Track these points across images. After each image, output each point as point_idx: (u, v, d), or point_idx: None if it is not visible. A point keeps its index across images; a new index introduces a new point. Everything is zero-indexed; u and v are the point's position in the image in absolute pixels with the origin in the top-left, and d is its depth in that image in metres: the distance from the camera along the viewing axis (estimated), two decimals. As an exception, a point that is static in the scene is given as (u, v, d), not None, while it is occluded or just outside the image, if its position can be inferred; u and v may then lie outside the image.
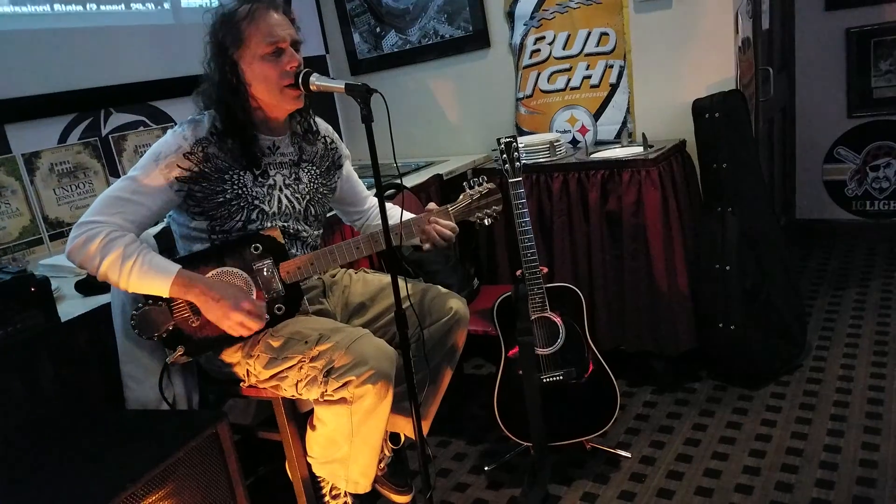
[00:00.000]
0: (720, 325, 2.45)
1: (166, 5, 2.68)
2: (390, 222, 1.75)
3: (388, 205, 1.69)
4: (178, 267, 1.50)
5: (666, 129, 2.68)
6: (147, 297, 1.52)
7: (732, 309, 2.43)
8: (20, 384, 1.57)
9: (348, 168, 1.90)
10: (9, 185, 2.18)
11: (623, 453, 2.17)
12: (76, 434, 1.51)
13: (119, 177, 2.41)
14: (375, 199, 1.92)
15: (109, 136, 2.44)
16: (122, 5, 2.52)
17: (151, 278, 1.48)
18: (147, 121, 2.57)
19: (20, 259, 2.14)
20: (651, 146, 2.51)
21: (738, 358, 2.47)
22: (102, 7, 2.46)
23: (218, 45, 1.56)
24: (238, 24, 1.54)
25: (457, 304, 1.82)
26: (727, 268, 2.43)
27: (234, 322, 1.50)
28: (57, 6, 2.33)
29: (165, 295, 1.49)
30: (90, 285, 1.77)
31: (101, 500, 1.24)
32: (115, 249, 1.46)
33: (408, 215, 1.72)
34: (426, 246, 1.71)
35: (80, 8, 2.40)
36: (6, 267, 1.59)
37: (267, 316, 1.56)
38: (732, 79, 2.58)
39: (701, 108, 2.48)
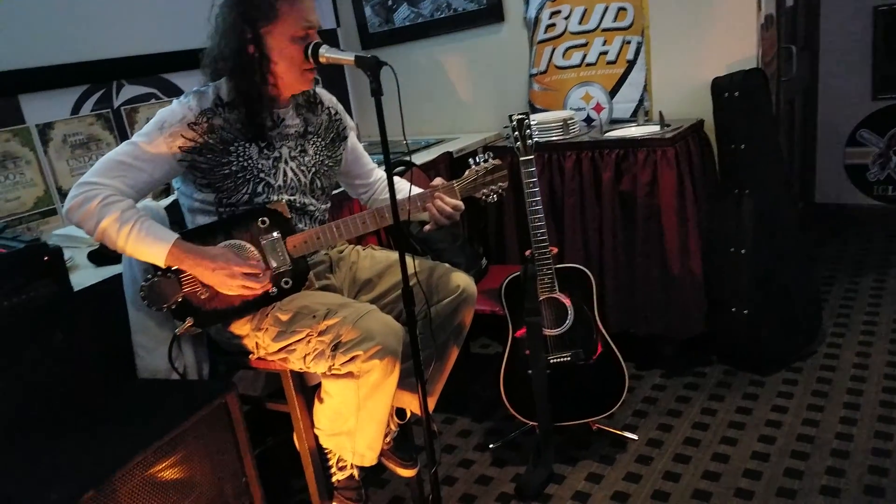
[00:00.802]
0: (733, 309, 2.43)
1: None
2: (398, 196, 1.76)
3: (396, 178, 1.68)
4: (175, 236, 1.51)
5: (683, 107, 2.62)
6: (156, 268, 1.53)
7: (746, 293, 2.40)
8: (32, 352, 1.59)
9: (353, 140, 1.89)
10: (23, 155, 2.19)
11: (630, 435, 2.16)
12: (87, 402, 1.54)
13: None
14: (382, 173, 1.91)
15: (121, 108, 2.45)
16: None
17: (148, 245, 1.49)
18: (158, 93, 2.57)
19: (34, 229, 2.16)
20: (668, 125, 2.47)
21: (749, 343, 2.44)
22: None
23: (241, 15, 1.54)
24: (271, 0, 1.52)
25: (464, 281, 1.81)
26: (742, 251, 2.40)
27: (236, 286, 1.53)
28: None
29: (161, 264, 1.50)
30: (103, 255, 1.78)
31: (111, 467, 1.26)
32: (112, 213, 1.47)
33: (416, 190, 1.71)
34: (427, 227, 1.70)
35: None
36: (20, 236, 1.61)
37: (266, 276, 1.57)
38: (754, 57, 2.52)
39: (720, 87, 2.43)
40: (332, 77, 3.31)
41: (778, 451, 2.01)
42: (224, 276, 1.52)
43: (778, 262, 2.43)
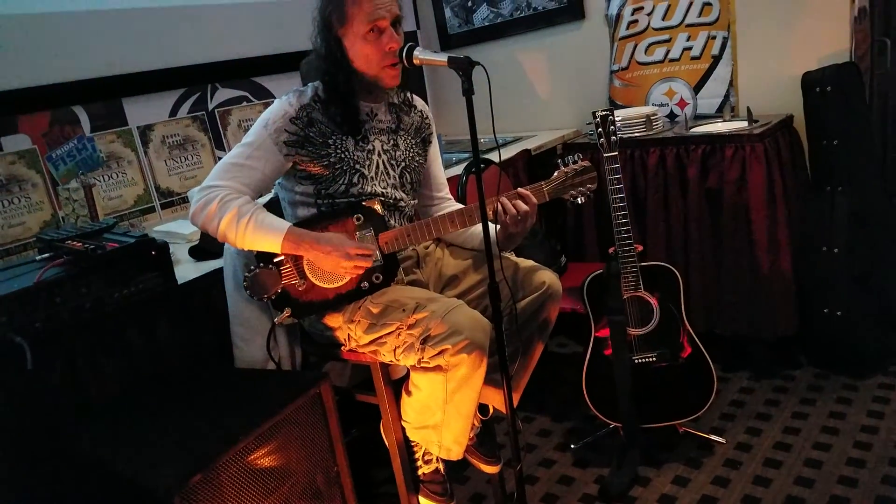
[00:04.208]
0: (825, 310, 2.33)
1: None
2: (475, 241, 1.82)
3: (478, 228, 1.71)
4: (288, 224, 1.59)
5: (772, 103, 2.54)
6: (259, 260, 1.60)
7: (839, 294, 2.30)
8: (140, 341, 1.69)
9: (435, 148, 1.93)
10: (125, 155, 2.32)
11: (717, 439, 2.11)
12: (190, 390, 1.61)
13: (225, 149, 2.53)
14: (450, 197, 1.94)
15: (215, 111, 2.57)
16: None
17: (264, 234, 1.56)
18: (250, 96, 2.68)
19: (137, 225, 2.29)
20: (756, 121, 2.39)
21: (843, 346, 2.34)
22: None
23: (324, 20, 1.61)
24: (343, 3, 1.58)
25: (550, 278, 1.81)
26: (835, 250, 2.30)
27: (350, 266, 1.59)
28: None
29: (278, 251, 1.57)
30: (203, 251, 1.88)
31: (215, 452, 1.31)
32: (231, 210, 1.55)
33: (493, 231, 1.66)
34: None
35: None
36: (128, 231, 1.70)
37: (375, 255, 1.61)
38: (846, 51, 2.42)
39: (811, 82, 2.34)
40: (411, 75, 3.36)
41: (875, 458, 1.92)
42: (338, 256, 1.57)
43: (874, 262, 2.32)
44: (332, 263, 1.59)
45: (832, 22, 2.42)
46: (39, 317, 1.43)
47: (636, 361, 1.99)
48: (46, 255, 1.58)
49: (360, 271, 1.61)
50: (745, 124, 2.39)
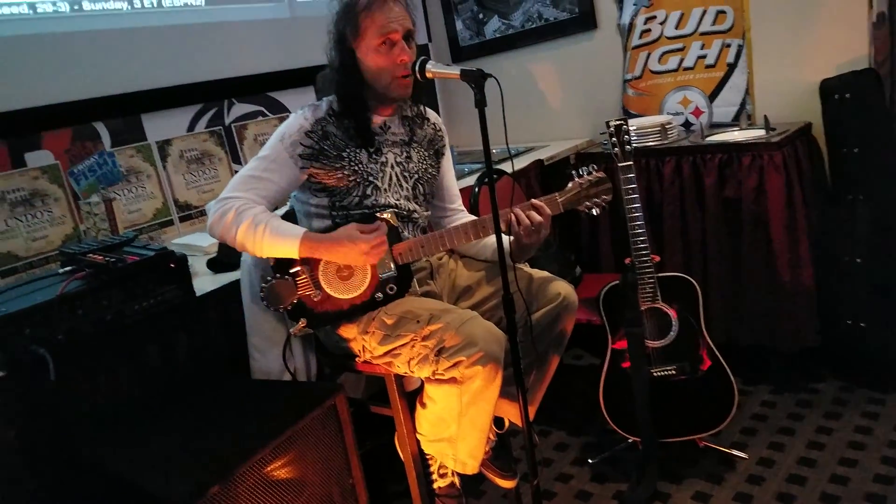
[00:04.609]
0: (848, 321, 2.29)
1: (283, 0, 2.80)
2: (488, 253, 1.83)
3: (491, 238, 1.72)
4: (303, 230, 1.62)
5: (790, 111, 2.52)
6: (275, 271, 1.61)
7: (862, 304, 2.26)
8: (158, 352, 1.71)
9: (448, 160, 1.93)
10: (144, 170, 2.36)
11: (739, 454, 2.07)
12: (208, 400, 1.62)
13: (241, 163, 2.56)
14: (463, 209, 1.95)
15: (232, 125, 2.60)
16: (243, 2, 2.65)
17: (282, 241, 1.58)
18: (265, 111, 2.71)
19: (156, 238, 2.31)
20: (773, 129, 2.37)
21: (867, 358, 2.29)
22: (226, 5, 2.60)
23: (339, 33, 1.63)
24: (357, 15, 1.61)
25: (565, 289, 1.80)
26: (857, 260, 2.26)
27: (370, 258, 1.60)
28: (188, 3, 2.49)
29: (295, 256, 1.59)
30: (220, 263, 1.89)
31: (232, 463, 1.32)
32: (247, 218, 1.57)
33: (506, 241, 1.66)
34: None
35: (204, 6, 2.55)
36: (148, 244, 1.72)
37: (384, 238, 1.62)
38: (865, 57, 2.39)
39: (829, 89, 2.31)
40: (422, 88, 3.39)
41: (904, 475, 1.87)
42: (356, 254, 1.58)
43: (897, 272, 2.27)
44: (353, 258, 1.61)
45: (849, 28, 2.39)
46: (62, 329, 1.46)
47: (654, 374, 1.97)
48: (68, 268, 1.61)
49: (376, 258, 1.61)
50: (762, 133, 2.36)
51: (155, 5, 2.41)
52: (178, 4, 2.47)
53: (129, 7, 2.34)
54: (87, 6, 2.24)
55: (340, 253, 1.59)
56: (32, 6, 2.12)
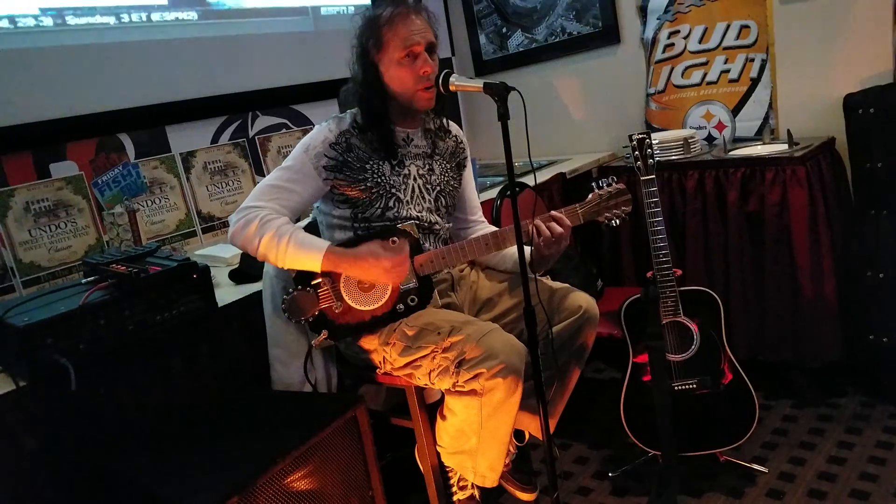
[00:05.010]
0: (871, 336, 2.26)
1: (307, 14, 2.84)
2: (509, 264, 1.83)
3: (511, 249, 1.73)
4: (327, 243, 1.62)
5: (813, 125, 2.50)
6: (297, 283, 1.62)
7: (885, 320, 2.23)
8: (180, 363, 1.72)
9: (469, 172, 1.95)
10: (168, 181, 2.39)
11: (759, 468, 2.04)
12: (229, 411, 1.63)
13: (265, 175, 2.58)
14: (483, 220, 1.95)
15: (255, 138, 2.63)
16: (268, 16, 2.69)
17: (305, 254, 1.59)
18: (289, 123, 2.74)
19: (179, 249, 2.34)
20: (797, 143, 2.35)
21: (890, 373, 2.26)
22: (250, 18, 2.64)
23: (362, 47, 1.65)
24: (379, 29, 1.62)
25: (586, 302, 1.80)
26: (880, 275, 2.24)
27: (392, 277, 1.61)
28: (212, 17, 2.54)
29: (318, 269, 1.59)
30: (242, 274, 1.91)
31: (253, 473, 1.32)
32: (271, 229, 1.58)
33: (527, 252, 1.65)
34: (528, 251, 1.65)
35: (230, 19, 2.59)
36: (171, 255, 1.74)
37: (406, 257, 1.62)
38: (890, 72, 2.37)
39: (854, 104, 2.29)
40: (445, 101, 3.41)
41: (927, 493, 1.84)
42: (379, 271, 1.59)
43: (922, 288, 2.24)
44: (375, 276, 1.62)
45: (874, 43, 2.38)
46: (84, 339, 1.47)
47: (676, 388, 1.95)
48: (91, 278, 1.62)
49: (398, 278, 1.62)
50: (785, 147, 2.35)
51: (182, 18, 2.45)
52: (206, 19, 2.51)
53: (161, 18, 2.38)
54: (116, 19, 2.28)
55: (363, 269, 1.60)
56: (61, 16, 2.16)
